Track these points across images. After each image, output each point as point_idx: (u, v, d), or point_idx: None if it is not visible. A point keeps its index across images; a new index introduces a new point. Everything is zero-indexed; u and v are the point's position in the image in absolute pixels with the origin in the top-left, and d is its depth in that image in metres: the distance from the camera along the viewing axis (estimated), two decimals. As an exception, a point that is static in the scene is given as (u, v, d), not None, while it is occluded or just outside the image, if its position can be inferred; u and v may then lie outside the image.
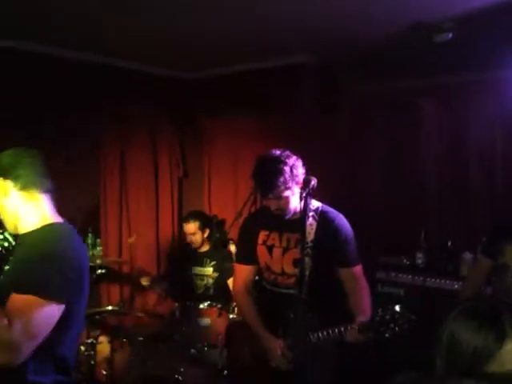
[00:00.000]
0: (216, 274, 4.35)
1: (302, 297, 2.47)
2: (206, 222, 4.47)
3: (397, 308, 2.18)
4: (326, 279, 2.57)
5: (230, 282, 4.28)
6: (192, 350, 3.46)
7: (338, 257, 2.54)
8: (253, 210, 4.36)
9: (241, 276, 2.75)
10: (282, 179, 2.38)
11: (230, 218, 4.88)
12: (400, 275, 3.80)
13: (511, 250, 2.46)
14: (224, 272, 4.32)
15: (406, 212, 4.18)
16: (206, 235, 4.40)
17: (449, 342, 1.34)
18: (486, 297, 2.70)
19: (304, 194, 2.40)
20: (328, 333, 2.37)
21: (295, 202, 2.49)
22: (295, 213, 2.53)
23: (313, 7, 3.14)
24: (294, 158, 2.47)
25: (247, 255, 2.72)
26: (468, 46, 3.54)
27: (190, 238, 4.36)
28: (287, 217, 2.53)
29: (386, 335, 2.16)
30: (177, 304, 3.76)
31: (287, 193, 2.43)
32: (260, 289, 2.73)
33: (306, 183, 2.41)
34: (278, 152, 2.46)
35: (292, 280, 2.57)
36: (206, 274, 4.38)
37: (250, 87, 4.62)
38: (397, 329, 2.14)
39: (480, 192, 3.97)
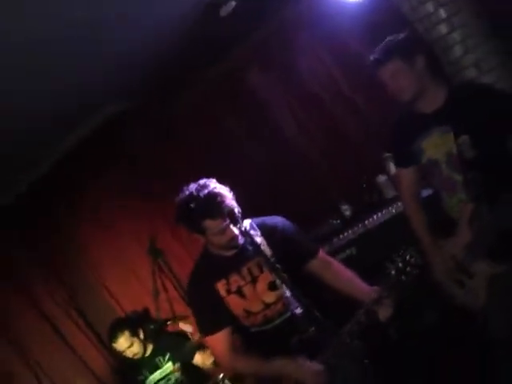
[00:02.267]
0: (177, 366, 3.95)
1: (302, 312, 2.31)
2: (132, 324, 3.99)
3: (401, 251, 2.12)
4: (311, 280, 2.42)
5: (197, 358, 3.93)
6: None
7: (302, 253, 2.41)
8: (159, 282, 4.30)
9: (220, 346, 2.43)
10: (226, 195, 2.24)
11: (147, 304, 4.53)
12: (341, 237, 3.75)
13: (430, 142, 2.45)
14: (185, 356, 3.94)
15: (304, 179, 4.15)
16: (141, 337, 3.97)
17: None
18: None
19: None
20: (357, 323, 2.18)
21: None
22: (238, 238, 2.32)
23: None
24: None
25: (216, 320, 2.41)
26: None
27: (128, 353, 3.86)
28: (238, 243, 2.31)
29: (409, 282, 2.09)
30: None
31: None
32: (254, 337, 2.44)
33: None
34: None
35: (279, 305, 2.36)
36: (168, 372, 3.95)
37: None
38: (414, 270, 2.07)
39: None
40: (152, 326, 4.15)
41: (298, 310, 2.32)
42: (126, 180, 4.46)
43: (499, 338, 2.45)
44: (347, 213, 3.88)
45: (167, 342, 4.07)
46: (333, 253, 3.59)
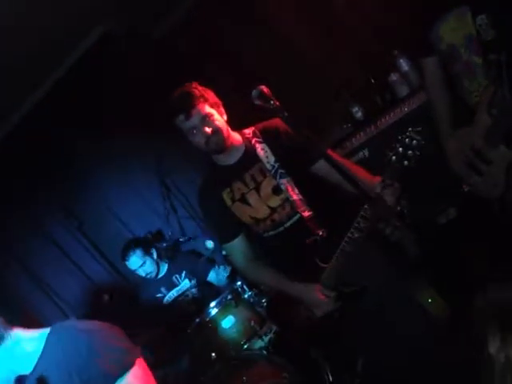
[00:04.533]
0: (194, 282, 4.11)
1: (310, 214, 2.36)
2: (145, 244, 4.16)
3: (400, 136, 2.07)
4: (316, 185, 2.43)
5: (211, 275, 4.08)
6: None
7: (308, 154, 2.39)
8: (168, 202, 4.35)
9: (237, 253, 2.55)
10: (196, 91, 2.29)
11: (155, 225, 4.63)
12: (353, 140, 3.76)
13: (447, 27, 2.37)
14: (200, 272, 4.08)
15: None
16: (154, 256, 4.09)
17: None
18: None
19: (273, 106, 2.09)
20: (362, 218, 2.15)
21: (223, 123, 2.37)
22: (233, 140, 2.40)
23: None
24: None
25: (229, 229, 2.52)
26: None
27: (142, 272, 4.05)
28: (226, 143, 2.37)
29: (413, 166, 2.06)
30: (188, 330, 3.44)
31: (208, 108, 2.30)
32: (267, 242, 2.51)
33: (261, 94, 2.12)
34: None
35: (287, 208, 2.41)
36: (185, 289, 4.11)
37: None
38: (416, 152, 2.04)
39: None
40: (165, 245, 4.28)
41: (307, 213, 2.37)
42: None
43: None
44: (358, 115, 3.86)
45: (182, 260, 4.23)
46: (345, 156, 3.60)
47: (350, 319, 2.40)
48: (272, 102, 2.09)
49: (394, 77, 3.66)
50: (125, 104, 4.40)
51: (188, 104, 2.27)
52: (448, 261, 3.35)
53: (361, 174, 2.41)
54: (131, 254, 3.98)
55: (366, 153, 3.76)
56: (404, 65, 3.59)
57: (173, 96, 2.33)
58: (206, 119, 2.30)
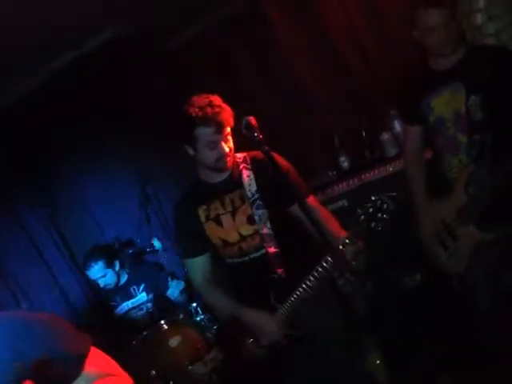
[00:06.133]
0: (151, 296, 4.11)
1: (276, 251, 2.41)
2: (109, 254, 4.10)
3: (373, 197, 2.17)
4: (288, 225, 2.48)
5: (171, 291, 4.10)
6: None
7: (290, 194, 2.40)
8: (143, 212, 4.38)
9: (197, 271, 2.58)
10: (228, 108, 2.34)
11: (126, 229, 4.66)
12: (335, 187, 3.84)
13: (440, 100, 2.51)
14: (159, 287, 4.10)
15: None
16: (117, 268, 4.09)
17: None
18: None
19: (256, 138, 2.20)
20: (322, 267, 2.24)
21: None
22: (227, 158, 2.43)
23: None
24: None
25: (196, 245, 2.55)
26: None
27: (100, 283, 4.00)
28: (227, 166, 2.43)
29: (379, 228, 2.14)
30: (134, 342, 3.47)
31: (228, 129, 2.35)
32: (229, 268, 2.56)
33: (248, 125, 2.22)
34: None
35: (256, 240, 2.45)
36: (141, 302, 4.11)
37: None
38: (385, 216, 2.12)
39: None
40: (130, 251, 4.29)
41: (273, 249, 2.42)
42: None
43: (480, 308, 2.57)
44: (345, 164, 3.95)
45: (144, 271, 4.21)
46: (324, 203, 3.67)
47: (292, 361, 2.43)
48: (256, 134, 2.19)
49: (385, 135, 3.77)
50: (119, 110, 4.47)
51: (223, 119, 2.31)
52: (403, 327, 3.41)
53: (331, 224, 2.46)
54: (93, 264, 3.93)
55: (346, 203, 3.83)
56: (398, 126, 3.70)
57: (204, 104, 2.31)
58: (227, 138, 2.38)
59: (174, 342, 3.30)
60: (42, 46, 3.52)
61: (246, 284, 2.52)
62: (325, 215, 2.51)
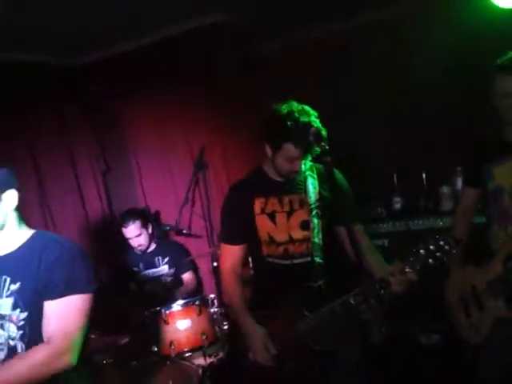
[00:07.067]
0: (172, 271, 4.25)
1: (321, 262, 2.45)
2: (145, 217, 4.34)
3: (437, 236, 2.17)
4: (337, 241, 2.53)
5: (186, 276, 4.22)
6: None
7: (347, 214, 2.45)
8: (191, 194, 4.49)
9: (227, 258, 2.63)
10: (319, 134, 2.31)
11: (168, 207, 4.83)
12: (381, 225, 3.86)
13: (502, 170, 2.50)
14: (179, 267, 4.24)
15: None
16: (150, 231, 4.26)
17: None
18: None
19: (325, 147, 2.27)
20: (367, 289, 2.27)
21: None
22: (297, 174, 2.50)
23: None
24: None
25: (236, 233, 2.60)
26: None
27: (135, 242, 4.19)
28: (295, 177, 2.50)
29: (437, 265, 2.15)
30: (146, 312, 3.59)
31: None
32: (267, 267, 2.59)
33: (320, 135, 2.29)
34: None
35: (304, 246, 2.50)
36: (161, 273, 4.25)
37: (161, 60, 4.46)
38: (444, 256, 2.13)
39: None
40: (168, 228, 4.45)
41: (318, 260, 2.46)
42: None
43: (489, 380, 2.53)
44: (397, 206, 3.96)
45: (170, 246, 4.40)
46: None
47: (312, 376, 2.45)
48: (323, 144, 2.26)
49: (446, 189, 3.75)
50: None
51: (313, 144, 2.32)
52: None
53: (375, 255, 2.53)
54: (131, 222, 4.14)
55: (386, 243, 3.84)
56: (459, 184, 3.67)
57: (304, 123, 2.32)
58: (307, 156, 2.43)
59: (182, 324, 3.38)
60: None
61: (281, 286, 2.51)
62: (370, 246, 2.57)
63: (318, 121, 2.35)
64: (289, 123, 2.32)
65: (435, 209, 3.81)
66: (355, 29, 4.41)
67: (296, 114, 2.33)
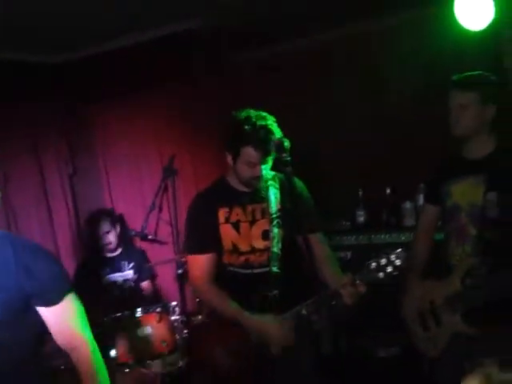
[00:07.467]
0: (135, 277, 4.24)
1: (278, 272, 2.47)
2: (114, 217, 4.39)
3: (389, 251, 2.25)
4: (296, 250, 2.55)
5: (144, 284, 4.23)
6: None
7: (306, 224, 2.49)
8: (158, 200, 4.47)
9: (200, 268, 2.58)
10: (277, 137, 2.36)
11: (136, 213, 4.78)
12: (344, 238, 3.91)
13: (459, 189, 2.56)
14: (141, 274, 4.22)
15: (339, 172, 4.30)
16: (118, 231, 4.30)
17: None
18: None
19: (285, 158, 2.30)
20: (319, 300, 2.32)
21: None
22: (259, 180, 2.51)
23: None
24: None
25: (205, 242, 2.58)
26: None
27: (105, 239, 4.19)
28: (257, 184, 2.52)
29: (386, 280, 2.21)
30: (105, 318, 3.54)
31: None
32: (227, 276, 2.60)
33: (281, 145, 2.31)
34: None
35: (264, 256, 2.53)
36: (127, 278, 4.23)
37: (136, 65, 4.47)
38: (394, 272, 2.20)
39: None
40: (134, 233, 4.42)
41: (275, 269, 2.48)
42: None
43: None
44: (361, 219, 4.02)
45: (136, 253, 4.41)
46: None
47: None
48: (284, 155, 2.29)
49: (408, 204, 3.82)
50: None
51: (272, 146, 2.35)
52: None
53: (332, 266, 2.57)
54: (102, 219, 4.23)
55: (349, 255, 3.89)
56: (421, 200, 3.74)
57: (260, 126, 2.38)
58: (268, 160, 2.45)
59: (142, 331, 3.35)
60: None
61: (240, 295, 2.53)
62: (328, 256, 2.61)
63: (275, 125, 2.41)
64: (246, 127, 2.37)
65: (398, 224, 3.88)
66: (326, 43, 4.49)
67: (253, 119, 2.38)
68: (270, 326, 2.41)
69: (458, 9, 3.27)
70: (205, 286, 2.59)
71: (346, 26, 4.31)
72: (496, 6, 3.16)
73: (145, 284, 4.30)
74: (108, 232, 4.19)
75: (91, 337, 2.01)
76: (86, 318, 2.02)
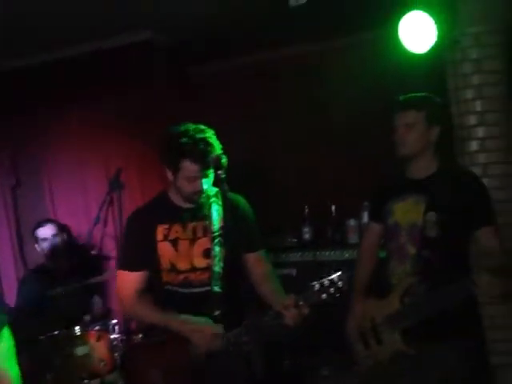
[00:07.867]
0: (83, 291, 4.08)
1: (219, 292, 2.42)
2: (59, 225, 4.23)
3: (332, 272, 2.24)
4: (237, 269, 2.51)
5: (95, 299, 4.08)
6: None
7: (248, 242, 2.49)
8: (103, 213, 4.38)
9: (128, 285, 2.52)
10: (216, 150, 2.34)
11: (80, 226, 4.68)
12: (290, 255, 3.90)
13: (401, 208, 2.59)
14: (89, 287, 4.07)
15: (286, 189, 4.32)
16: (65, 238, 4.18)
17: None
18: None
19: (222, 175, 2.31)
20: (260, 322, 2.29)
21: None
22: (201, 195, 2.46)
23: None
24: None
25: (136, 260, 2.51)
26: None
27: (52, 241, 4.04)
28: (199, 200, 2.45)
29: (329, 300, 2.20)
30: (41, 336, 3.40)
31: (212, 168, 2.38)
32: (166, 295, 2.53)
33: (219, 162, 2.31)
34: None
35: (206, 275, 2.46)
36: (73, 292, 4.05)
37: (89, 70, 4.42)
38: (337, 294, 2.19)
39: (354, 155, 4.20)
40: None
41: (217, 289, 2.43)
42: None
43: None
44: (306, 236, 4.03)
45: (82, 266, 4.22)
46: (275, 266, 3.73)
47: None
48: (220, 173, 2.29)
49: (352, 222, 3.86)
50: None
51: (211, 160, 2.33)
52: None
53: (272, 284, 2.53)
54: (47, 223, 4.09)
55: (294, 272, 3.89)
56: (366, 218, 3.79)
57: (198, 139, 2.34)
58: (208, 175, 2.40)
59: (80, 350, 3.23)
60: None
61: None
62: (270, 274, 2.58)
63: (214, 138, 2.38)
64: (184, 140, 2.33)
65: (342, 241, 3.91)
66: (282, 59, 4.54)
67: (191, 132, 2.35)
68: (203, 327, 2.38)
69: (402, 32, 3.36)
70: (132, 301, 2.51)
71: (294, 45, 4.34)
72: (438, 30, 3.26)
73: (95, 298, 4.13)
74: (55, 235, 4.06)
75: (18, 374, 1.95)
76: (15, 353, 1.95)
